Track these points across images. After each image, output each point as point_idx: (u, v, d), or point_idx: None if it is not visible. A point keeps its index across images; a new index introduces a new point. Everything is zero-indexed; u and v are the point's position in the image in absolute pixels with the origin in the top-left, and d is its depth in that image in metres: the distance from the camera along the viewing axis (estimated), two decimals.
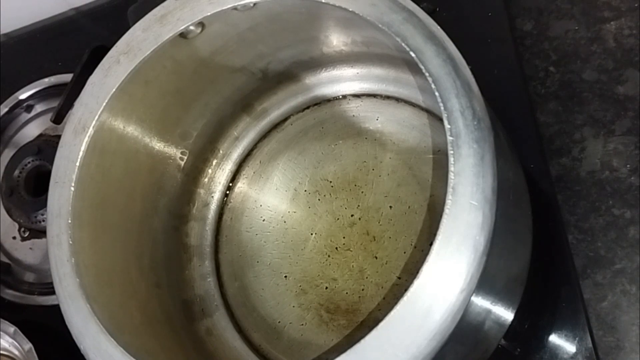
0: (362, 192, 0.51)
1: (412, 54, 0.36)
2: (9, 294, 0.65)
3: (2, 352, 0.58)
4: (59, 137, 0.44)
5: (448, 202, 0.33)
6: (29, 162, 0.66)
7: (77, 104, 0.45)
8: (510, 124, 0.49)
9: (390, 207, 0.49)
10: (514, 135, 0.47)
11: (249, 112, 0.56)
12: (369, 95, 0.53)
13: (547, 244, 0.50)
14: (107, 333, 0.38)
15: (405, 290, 0.32)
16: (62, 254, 0.41)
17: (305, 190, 0.53)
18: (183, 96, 0.50)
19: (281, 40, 0.49)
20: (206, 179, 0.57)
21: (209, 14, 0.43)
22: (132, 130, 0.47)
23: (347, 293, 0.49)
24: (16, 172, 0.66)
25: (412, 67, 0.36)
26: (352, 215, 0.50)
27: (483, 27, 0.58)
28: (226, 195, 0.57)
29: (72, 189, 0.42)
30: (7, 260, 0.68)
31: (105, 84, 0.44)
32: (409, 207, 0.49)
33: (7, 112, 0.72)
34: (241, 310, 0.52)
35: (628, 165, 0.51)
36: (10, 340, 0.57)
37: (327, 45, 0.50)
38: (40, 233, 0.66)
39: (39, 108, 0.73)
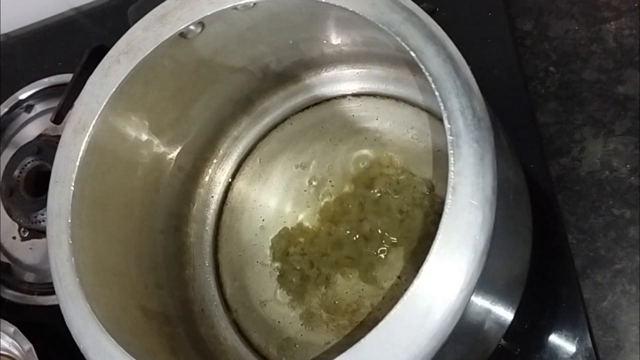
0: (362, 191, 0.51)
1: (412, 54, 0.36)
2: (9, 294, 0.65)
3: (2, 352, 0.58)
4: (59, 137, 0.44)
5: (448, 201, 0.33)
6: (29, 162, 0.66)
7: (77, 103, 0.45)
8: (510, 124, 0.49)
9: (390, 207, 0.49)
10: (514, 135, 0.47)
11: (249, 112, 0.56)
12: (368, 95, 0.53)
13: (547, 244, 0.50)
14: (107, 333, 0.38)
15: (405, 290, 0.32)
16: (62, 253, 0.41)
17: (305, 190, 0.53)
18: (183, 96, 0.50)
19: (281, 40, 0.49)
20: (206, 179, 0.57)
21: (208, 13, 0.43)
22: (132, 130, 0.47)
23: (347, 293, 0.49)
24: (16, 172, 0.66)
25: (412, 66, 0.36)
26: (352, 215, 0.50)
27: (483, 27, 0.58)
28: (226, 195, 0.57)
29: (72, 188, 0.42)
30: (7, 260, 0.68)
31: (105, 83, 0.44)
32: (409, 207, 0.48)
33: (7, 112, 0.72)
34: (241, 310, 0.52)
35: (628, 165, 0.51)
36: (10, 340, 0.57)
37: (327, 45, 0.50)
38: (40, 233, 0.66)
39: (39, 108, 0.73)
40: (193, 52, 0.47)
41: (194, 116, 0.53)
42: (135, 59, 0.44)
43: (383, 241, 0.49)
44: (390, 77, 0.52)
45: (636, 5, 0.55)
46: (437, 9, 0.58)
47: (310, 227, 0.52)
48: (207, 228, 0.56)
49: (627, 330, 0.48)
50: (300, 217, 0.52)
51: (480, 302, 0.38)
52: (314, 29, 0.48)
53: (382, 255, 0.48)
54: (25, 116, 0.73)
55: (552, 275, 0.50)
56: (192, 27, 0.44)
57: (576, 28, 0.56)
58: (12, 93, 0.72)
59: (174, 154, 0.53)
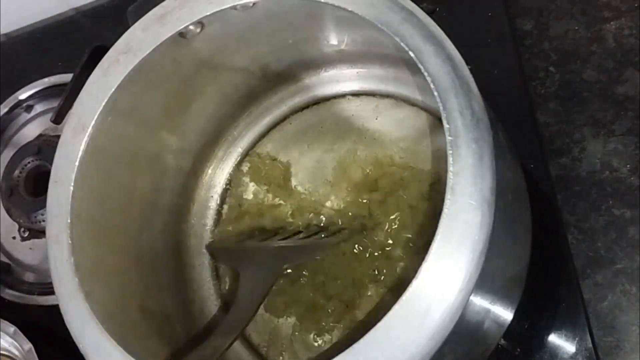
0: (362, 191, 0.51)
1: (411, 54, 0.36)
2: (9, 294, 0.65)
3: (2, 352, 0.58)
4: (59, 137, 0.44)
5: (447, 201, 0.33)
6: (29, 162, 0.66)
7: (77, 103, 0.45)
8: (510, 124, 0.49)
9: (390, 206, 0.49)
10: (514, 135, 0.47)
11: (249, 112, 0.56)
12: (368, 95, 0.53)
13: (547, 244, 0.50)
14: (107, 333, 0.38)
15: (405, 290, 0.32)
16: (61, 253, 0.41)
17: (305, 190, 0.53)
18: (183, 96, 0.50)
19: (281, 40, 0.49)
20: (206, 179, 0.57)
21: (208, 13, 0.43)
22: (131, 129, 0.47)
23: (347, 292, 0.49)
24: (16, 172, 0.66)
25: (412, 66, 0.36)
26: (352, 215, 0.50)
27: (483, 27, 0.58)
28: (226, 194, 0.57)
29: (72, 188, 0.42)
30: (7, 260, 0.68)
31: (105, 83, 0.44)
32: (408, 206, 0.48)
33: (7, 112, 0.72)
34: None
35: (628, 165, 0.51)
36: (10, 340, 0.58)
37: (327, 45, 0.50)
38: (40, 233, 0.66)
39: (39, 108, 0.73)
40: (192, 52, 0.47)
41: (193, 116, 0.53)
42: (135, 59, 0.44)
43: (383, 241, 0.49)
44: (389, 76, 0.52)
45: (636, 5, 0.55)
46: (437, 9, 0.58)
47: (310, 227, 0.52)
48: (207, 228, 0.56)
49: (627, 330, 0.48)
50: (301, 217, 0.52)
51: (480, 302, 0.38)
52: (313, 29, 0.47)
53: (382, 255, 0.48)
54: (25, 116, 0.73)
55: (552, 275, 0.50)
56: (191, 27, 0.44)
57: (576, 28, 0.56)
58: (12, 93, 0.72)
59: (173, 154, 0.53)
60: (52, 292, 0.61)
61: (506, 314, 0.44)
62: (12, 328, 0.57)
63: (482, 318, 0.40)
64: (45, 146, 0.66)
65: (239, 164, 0.57)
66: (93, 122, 0.43)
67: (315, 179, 0.53)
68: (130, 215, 0.49)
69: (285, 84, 0.55)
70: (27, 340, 0.57)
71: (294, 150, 0.55)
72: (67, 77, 0.69)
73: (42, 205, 0.63)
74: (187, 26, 0.43)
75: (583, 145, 0.53)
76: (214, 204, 0.57)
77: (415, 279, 0.32)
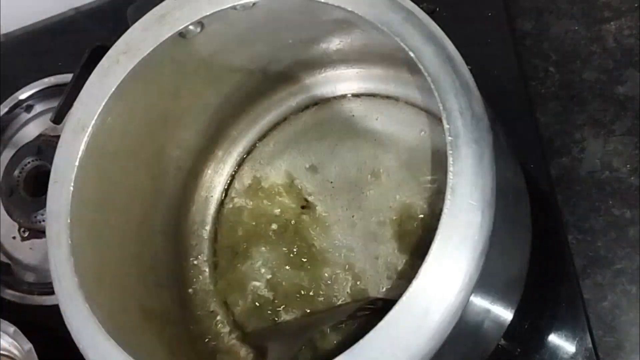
0: (362, 192, 0.51)
1: (411, 54, 0.36)
2: (9, 294, 0.64)
3: (2, 352, 0.58)
4: (59, 137, 0.44)
5: (447, 202, 0.33)
6: (29, 162, 0.66)
7: (77, 103, 0.45)
8: (510, 124, 0.49)
9: (390, 207, 0.49)
10: (514, 135, 0.47)
11: (249, 112, 0.56)
12: (368, 95, 0.53)
13: (547, 244, 0.50)
14: (106, 332, 0.38)
15: (405, 290, 0.32)
16: (61, 253, 0.41)
17: (306, 191, 0.53)
18: (183, 96, 0.50)
19: (281, 40, 0.49)
20: (206, 179, 0.57)
21: (208, 13, 0.43)
22: (131, 129, 0.47)
23: (347, 293, 0.49)
24: (16, 172, 0.66)
25: (412, 66, 0.36)
26: (352, 216, 0.50)
27: (483, 27, 0.58)
28: (226, 195, 0.57)
29: (72, 188, 0.42)
30: (7, 260, 0.68)
31: (105, 83, 0.44)
32: (408, 207, 0.49)
33: (7, 112, 0.72)
34: (241, 310, 0.52)
35: (628, 165, 0.51)
36: (10, 340, 0.57)
37: (327, 45, 0.50)
38: (40, 233, 0.66)
39: (38, 108, 0.73)
40: (192, 52, 0.47)
41: (193, 116, 0.53)
42: (135, 59, 0.44)
43: (383, 241, 0.49)
44: (389, 77, 0.52)
45: (636, 5, 0.55)
46: (437, 9, 0.58)
47: (309, 226, 0.52)
48: (207, 228, 0.56)
49: (627, 330, 0.48)
50: (300, 216, 0.52)
51: (480, 302, 0.38)
52: (313, 29, 0.47)
53: (382, 256, 0.48)
54: (25, 116, 0.73)
55: (552, 275, 0.50)
56: (191, 27, 0.44)
57: (576, 28, 0.56)
58: (12, 93, 0.72)
59: (173, 154, 0.53)
60: (52, 292, 0.61)
61: (506, 314, 0.44)
62: (12, 328, 0.57)
63: (482, 318, 0.40)
64: (45, 146, 0.66)
65: (239, 165, 0.57)
66: (93, 122, 0.43)
67: (315, 180, 0.53)
68: (130, 215, 0.49)
69: (285, 84, 0.55)
70: (27, 340, 0.57)
71: (294, 151, 0.55)
72: (67, 77, 0.69)
73: (42, 205, 0.63)
74: (187, 26, 0.43)
75: (583, 145, 0.53)
76: (214, 204, 0.57)
77: (415, 279, 0.32)
